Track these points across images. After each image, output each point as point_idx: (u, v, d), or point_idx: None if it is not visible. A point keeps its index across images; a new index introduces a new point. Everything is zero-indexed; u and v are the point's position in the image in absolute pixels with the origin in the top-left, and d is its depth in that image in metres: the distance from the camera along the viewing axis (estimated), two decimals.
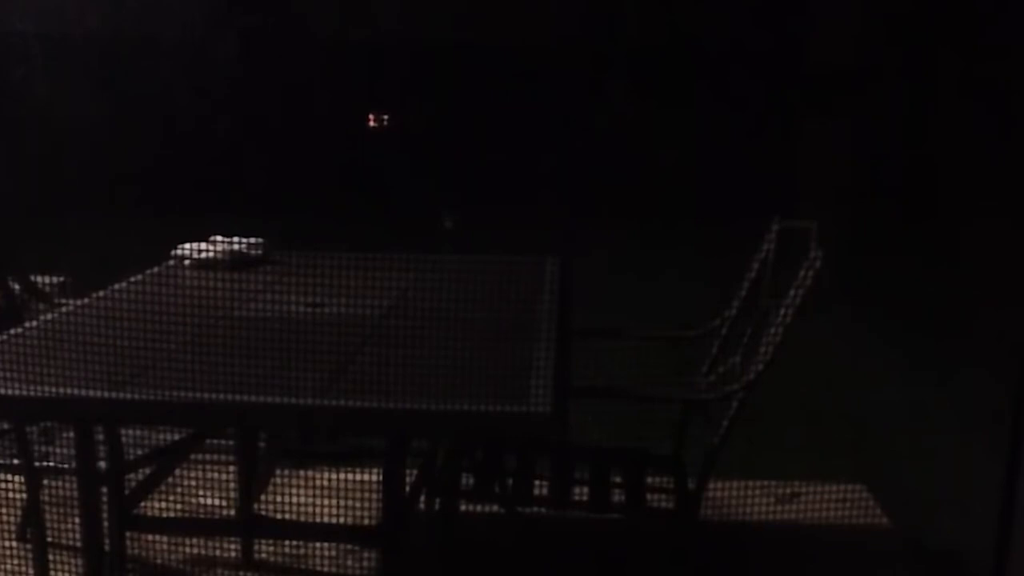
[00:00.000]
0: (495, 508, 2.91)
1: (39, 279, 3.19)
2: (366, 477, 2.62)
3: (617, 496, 2.86)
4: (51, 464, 2.87)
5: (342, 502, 2.60)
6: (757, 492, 3.44)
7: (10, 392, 2.18)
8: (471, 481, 2.85)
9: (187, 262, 3.23)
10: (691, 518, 2.76)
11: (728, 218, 5.00)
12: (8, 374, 2.20)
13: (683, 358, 3.29)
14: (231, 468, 3.06)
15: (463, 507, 2.88)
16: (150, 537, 3.09)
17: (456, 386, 2.24)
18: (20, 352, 2.27)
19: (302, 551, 3.24)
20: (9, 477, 2.89)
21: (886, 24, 7.15)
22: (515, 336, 2.69)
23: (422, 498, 2.99)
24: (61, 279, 3.26)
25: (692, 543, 2.82)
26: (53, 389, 2.17)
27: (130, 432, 2.81)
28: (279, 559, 3.25)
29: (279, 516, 2.83)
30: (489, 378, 2.29)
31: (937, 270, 5.55)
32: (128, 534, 2.71)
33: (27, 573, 2.92)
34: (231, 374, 2.19)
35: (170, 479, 2.98)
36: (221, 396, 2.17)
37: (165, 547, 3.13)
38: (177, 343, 2.42)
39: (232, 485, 3.04)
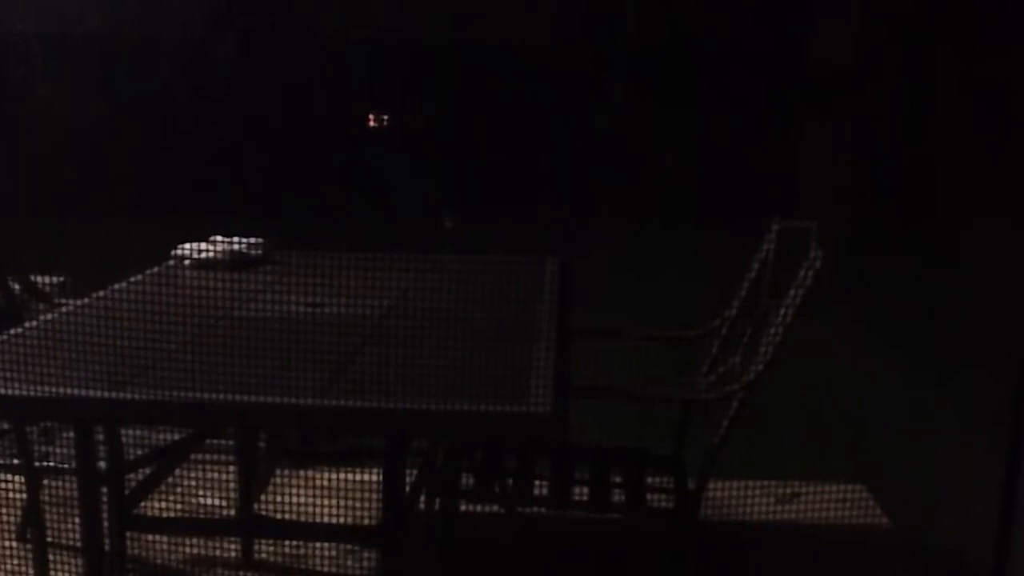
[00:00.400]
0: (495, 508, 2.91)
1: (39, 279, 3.19)
2: (366, 477, 2.62)
3: (617, 496, 2.85)
4: (51, 464, 2.87)
5: (342, 502, 2.60)
6: (757, 492, 3.44)
7: (10, 392, 2.18)
8: (471, 481, 2.84)
9: (187, 262, 3.23)
10: (691, 518, 2.76)
11: (728, 218, 5.00)
12: (8, 374, 2.20)
13: (683, 358, 3.29)
14: (231, 468, 3.06)
15: (463, 507, 2.88)
16: (150, 537, 3.09)
17: (456, 386, 2.24)
18: (20, 352, 2.27)
19: (302, 551, 3.24)
20: (9, 477, 2.89)
21: (886, 24, 7.15)
22: (515, 336, 2.69)
23: (422, 498, 2.99)
24: (61, 279, 3.26)
25: (692, 543, 2.82)
26: (53, 389, 2.17)
27: (130, 432, 2.81)
28: (279, 559, 3.25)
29: (279, 516, 2.82)
30: (489, 378, 2.29)
31: (937, 270, 5.55)
32: (128, 534, 2.71)
33: (27, 573, 2.92)
34: (231, 374, 2.19)
35: (170, 479, 2.98)
36: (221, 396, 2.17)
37: (165, 547, 3.13)
38: (177, 343, 2.42)
39: (232, 485, 3.04)
